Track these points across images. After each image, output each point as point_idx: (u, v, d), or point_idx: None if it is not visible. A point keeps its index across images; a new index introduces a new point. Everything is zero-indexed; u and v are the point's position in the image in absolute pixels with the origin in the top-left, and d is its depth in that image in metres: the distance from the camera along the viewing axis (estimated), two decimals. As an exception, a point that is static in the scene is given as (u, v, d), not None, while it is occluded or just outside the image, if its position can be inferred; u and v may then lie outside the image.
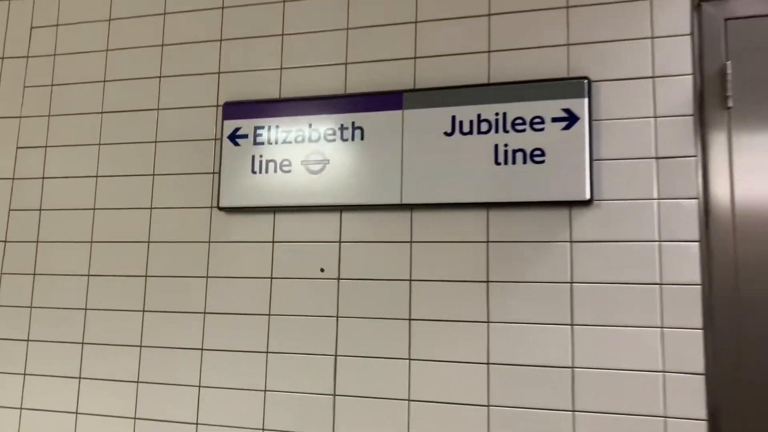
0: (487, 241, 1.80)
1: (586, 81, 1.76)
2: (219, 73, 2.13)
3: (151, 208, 2.12)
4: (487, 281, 1.79)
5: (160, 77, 2.19)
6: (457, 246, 1.83)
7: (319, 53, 2.03)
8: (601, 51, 1.79)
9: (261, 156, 1.99)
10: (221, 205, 2.01)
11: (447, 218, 1.84)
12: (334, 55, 2.02)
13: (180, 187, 2.10)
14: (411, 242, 1.86)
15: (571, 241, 1.74)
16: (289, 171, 1.96)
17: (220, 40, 2.14)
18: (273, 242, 1.99)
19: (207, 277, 2.03)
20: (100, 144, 2.21)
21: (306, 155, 1.95)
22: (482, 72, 1.88)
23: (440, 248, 1.84)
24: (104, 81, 2.24)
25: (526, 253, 1.77)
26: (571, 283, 1.73)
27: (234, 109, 2.05)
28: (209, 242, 2.04)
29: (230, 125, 2.04)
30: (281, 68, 2.07)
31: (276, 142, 1.99)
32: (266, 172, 1.98)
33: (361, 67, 1.99)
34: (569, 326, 1.72)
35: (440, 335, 1.81)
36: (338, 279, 1.91)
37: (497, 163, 1.79)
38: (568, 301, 1.73)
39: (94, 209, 2.17)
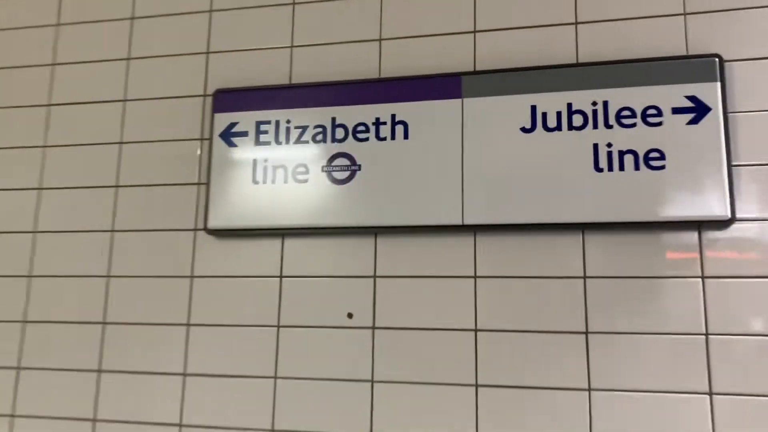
0: (584, 277, 1.31)
1: (717, 60, 1.30)
2: (208, 53, 1.61)
3: (112, 231, 1.57)
4: (586, 332, 1.29)
5: (128, 59, 1.66)
6: (542, 283, 1.33)
7: (344, 26, 1.54)
8: (732, 21, 1.34)
9: (266, 160, 1.47)
10: (210, 226, 1.48)
11: (526, 245, 1.35)
12: (364, 28, 1.52)
13: (152, 203, 1.56)
14: (475, 277, 1.36)
15: (702, 277, 1.26)
16: (304, 180, 1.44)
17: (210, 11, 1.63)
18: (281, 277, 1.46)
19: (188, 324, 1.49)
20: (45, 146, 1.66)
21: (328, 159, 1.44)
22: (567, 49, 1.40)
23: (517, 286, 1.34)
24: (53, 64, 1.71)
25: (640, 294, 1.28)
26: (707, 335, 1.24)
27: (228, 99, 1.53)
28: (192, 277, 1.50)
29: (223, 120, 1.52)
30: (292, 46, 1.56)
31: (287, 142, 1.47)
32: (273, 181, 1.46)
33: (400, 43, 1.50)
34: (706, 395, 1.23)
35: (520, 408, 1.30)
36: (373, 328, 1.39)
37: (598, 169, 1.30)
38: (704, 361, 1.24)
39: (34, 232, 1.61)
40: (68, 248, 1.58)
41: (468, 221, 1.34)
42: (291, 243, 1.47)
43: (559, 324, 1.30)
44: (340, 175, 1.43)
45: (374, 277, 1.41)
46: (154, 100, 1.62)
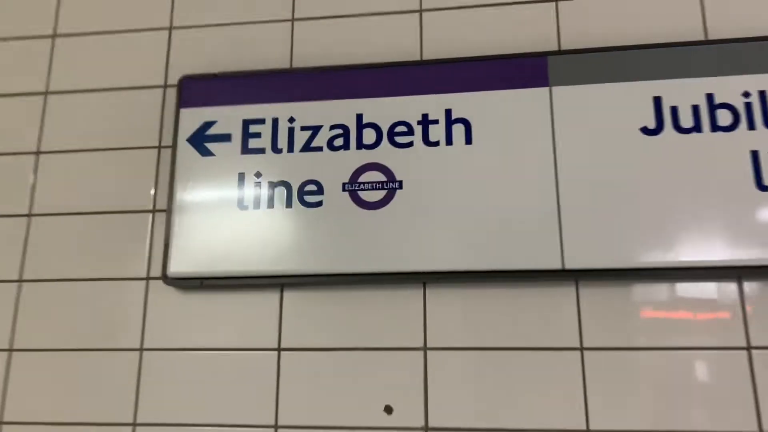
0: (748, 347, 0.88)
1: None
2: (170, 28, 1.15)
3: (20, 281, 1.05)
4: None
5: (53, 36, 1.17)
6: (681, 357, 0.88)
7: (369, -9, 1.10)
8: None
9: (258, 175, 1.00)
10: (171, 273, 0.98)
11: (657, 300, 0.90)
12: (399, -7, 1.09)
13: (83, 240, 1.06)
14: (582, 350, 0.90)
15: None
16: (317, 204, 0.97)
17: (175, -29, 1.17)
18: (279, 350, 0.97)
19: (134, 424, 0.97)
20: (-76, 156, 1.14)
21: (353, 173, 0.98)
22: (691, 21, 1.00)
23: (648, 361, 0.89)
24: (-56, 43, 1.20)
25: (836, 372, 0.86)
26: None
27: (201, 89, 1.06)
28: (141, 350, 1.00)
29: (194, 118, 1.05)
30: (293, 19, 1.11)
31: (290, 149, 1.01)
32: (269, 206, 0.98)
33: (451, 15, 1.07)
34: None
35: None
36: (425, 430, 0.91)
37: (762, 187, 0.89)
38: None
39: None
40: (-50, 307, 1.05)
41: (570, 264, 0.90)
42: (295, 297, 0.98)
43: (715, 422, 0.86)
44: (372, 195, 0.97)
45: (424, 349, 0.94)
46: (90, 92, 1.13)
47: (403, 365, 0.93)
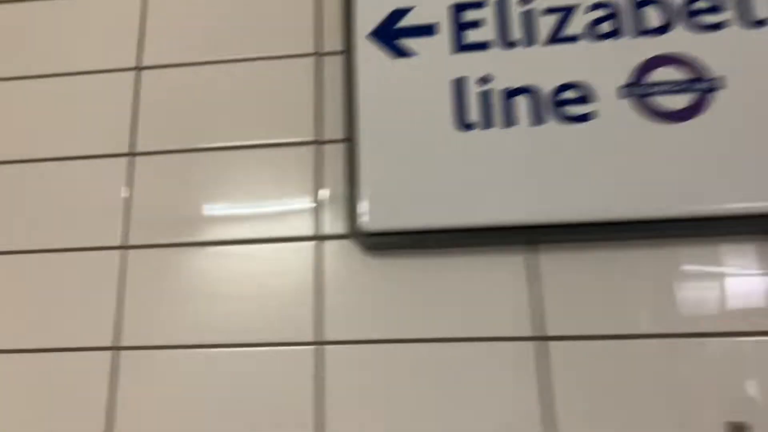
0: None
1: None
2: None
3: (121, 248, 0.72)
4: None
5: None
6: None
7: None
8: None
9: (485, 81, 0.67)
10: (367, 227, 0.65)
11: None
12: None
13: (214, 186, 0.73)
14: None
15: None
16: (585, 117, 0.64)
17: None
18: (538, 339, 0.63)
19: (317, 457, 0.63)
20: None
21: (635, 70, 0.64)
22: None
23: None
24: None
25: None
26: None
27: (382, -35, 0.73)
28: (318, 345, 0.66)
29: (375, 3, 0.71)
30: None
31: (530, 41, 0.68)
32: (507, 123, 0.65)
33: None
34: None
35: None
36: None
37: None
38: None
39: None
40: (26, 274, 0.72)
41: None
42: (557, 259, 0.65)
43: None
44: (670, 101, 0.63)
45: (772, 332, 0.60)
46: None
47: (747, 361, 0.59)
